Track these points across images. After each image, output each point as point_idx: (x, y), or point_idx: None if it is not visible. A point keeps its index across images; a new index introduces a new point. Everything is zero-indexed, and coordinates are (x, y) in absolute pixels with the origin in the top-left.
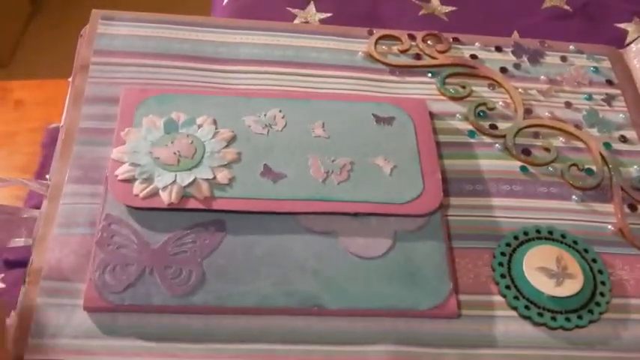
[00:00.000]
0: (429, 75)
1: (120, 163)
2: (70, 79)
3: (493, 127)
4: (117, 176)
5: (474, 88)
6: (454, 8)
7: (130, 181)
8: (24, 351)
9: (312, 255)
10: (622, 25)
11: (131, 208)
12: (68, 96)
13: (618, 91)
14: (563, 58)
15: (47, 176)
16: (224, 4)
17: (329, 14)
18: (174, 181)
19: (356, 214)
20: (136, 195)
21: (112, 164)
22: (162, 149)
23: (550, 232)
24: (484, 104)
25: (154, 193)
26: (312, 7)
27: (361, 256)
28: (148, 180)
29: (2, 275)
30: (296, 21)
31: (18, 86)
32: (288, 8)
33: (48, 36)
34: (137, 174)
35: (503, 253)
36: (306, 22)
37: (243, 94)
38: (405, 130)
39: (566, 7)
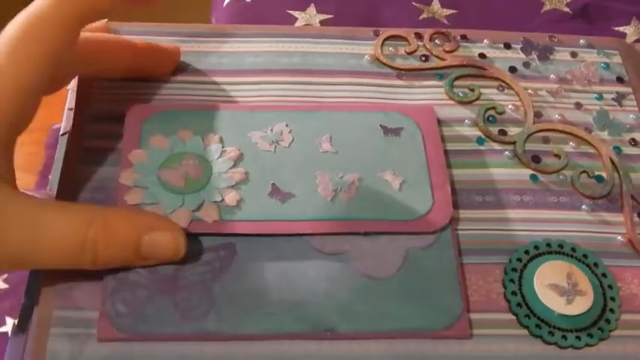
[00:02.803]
0: (437, 78)
1: (128, 187)
2: (68, 87)
3: (502, 132)
4: (125, 201)
5: (482, 91)
6: (454, 11)
7: (139, 206)
8: None
9: (324, 277)
10: (621, 28)
11: None
12: (67, 105)
13: (629, 89)
14: (574, 54)
15: (48, 188)
16: (224, 5)
17: (330, 15)
18: (182, 205)
19: (366, 234)
20: None
21: (120, 188)
22: (169, 171)
23: (560, 246)
24: (493, 108)
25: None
26: (312, 9)
27: (373, 277)
28: (156, 205)
29: (5, 276)
30: (297, 23)
31: None
32: (288, 11)
33: None
34: (145, 199)
35: (514, 269)
36: (309, 25)
37: (249, 108)
38: (413, 141)
39: (566, 10)
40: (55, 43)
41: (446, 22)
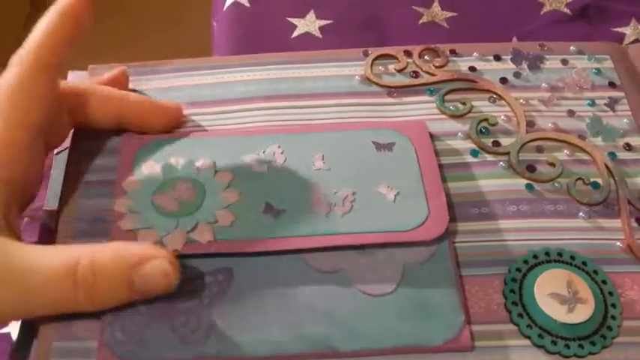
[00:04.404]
0: (428, 93)
1: (122, 214)
2: None
3: (496, 144)
4: (120, 227)
5: (474, 104)
6: (454, 14)
7: (133, 231)
8: None
9: (323, 296)
10: (620, 29)
11: None
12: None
13: (621, 94)
14: (564, 62)
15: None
16: (225, 8)
17: (329, 21)
18: (176, 227)
19: (362, 247)
20: None
21: (115, 216)
22: (163, 197)
23: (559, 254)
24: (485, 120)
25: (158, 242)
26: (312, 15)
27: (371, 294)
28: (150, 229)
29: None
30: (296, 32)
31: None
32: (288, 18)
33: None
34: (140, 224)
35: (514, 279)
36: (306, 33)
37: (240, 133)
38: (406, 154)
39: (566, 10)
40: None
41: (446, 25)
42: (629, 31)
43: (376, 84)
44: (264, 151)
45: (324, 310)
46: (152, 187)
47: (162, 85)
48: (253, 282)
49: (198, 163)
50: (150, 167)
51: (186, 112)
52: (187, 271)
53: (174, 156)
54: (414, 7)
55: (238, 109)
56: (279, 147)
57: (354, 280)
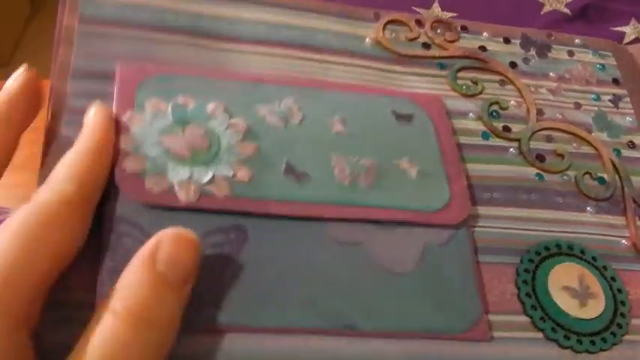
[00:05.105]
0: (439, 67)
1: (125, 153)
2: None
3: (506, 129)
4: (125, 169)
5: (485, 85)
6: (454, 14)
7: (139, 174)
8: None
9: (341, 269)
10: (620, 29)
11: (141, 207)
12: (52, 73)
13: (624, 92)
14: (570, 53)
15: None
16: None
17: None
18: (190, 177)
19: (383, 223)
20: (149, 190)
21: (117, 155)
22: (172, 139)
23: (570, 248)
24: (497, 103)
25: (169, 190)
26: None
27: (391, 271)
28: (161, 174)
29: None
30: None
31: None
32: None
33: (47, 36)
34: (148, 167)
35: (526, 270)
36: None
37: (253, 79)
38: (425, 130)
39: (566, 11)
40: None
41: None
42: (629, 30)
43: (387, 49)
44: (279, 104)
45: (342, 285)
46: (159, 127)
47: (160, 3)
48: (268, 246)
49: (210, 108)
50: (155, 105)
51: (184, 40)
52: (197, 227)
53: (182, 95)
54: (414, 8)
55: (245, 51)
56: (295, 102)
57: (374, 254)
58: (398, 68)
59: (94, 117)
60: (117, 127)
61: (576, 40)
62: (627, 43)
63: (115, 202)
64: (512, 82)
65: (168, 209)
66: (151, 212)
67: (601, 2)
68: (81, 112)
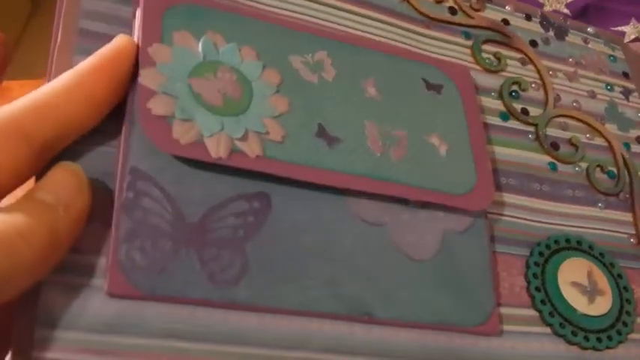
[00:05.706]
0: (464, 36)
1: (150, 92)
2: None
3: (525, 111)
4: (150, 110)
5: (507, 62)
6: None
7: (166, 119)
8: (32, 346)
9: (362, 251)
10: (619, 28)
11: (164, 162)
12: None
13: (633, 86)
14: (585, 40)
15: None
16: None
17: None
18: (221, 129)
19: (409, 202)
20: (176, 140)
21: (141, 92)
22: (203, 82)
23: (579, 243)
24: (517, 83)
25: (198, 141)
26: None
27: (410, 257)
28: (190, 122)
29: None
30: None
31: (18, 86)
32: None
33: (48, 36)
34: (176, 111)
35: (536, 263)
36: None
37: (285, 24)
38: (454, 103)
39: (566, 11)
40: None
41: None
42: (629, 29)
43: (415, 9)
44: (312, 56)
45: (364, 269)
46: (188, 66)
47: None
48: (292, 219)
49: (243, 52)
50: (184, 39)
51: None
52: (220, 191)
53: (213, 32)
54: None
55: None
56: (328, 55)
57: (396, 238)
58: (425, 32)
59: (111, 42)
60: (141, 58)
61: (589, 29)
62: (627, 43)
63: (132, 152)
64: (532, 62)
65: (192, 166)
66: (172, 172)
67: (601, 2)
68: (96, 38)
